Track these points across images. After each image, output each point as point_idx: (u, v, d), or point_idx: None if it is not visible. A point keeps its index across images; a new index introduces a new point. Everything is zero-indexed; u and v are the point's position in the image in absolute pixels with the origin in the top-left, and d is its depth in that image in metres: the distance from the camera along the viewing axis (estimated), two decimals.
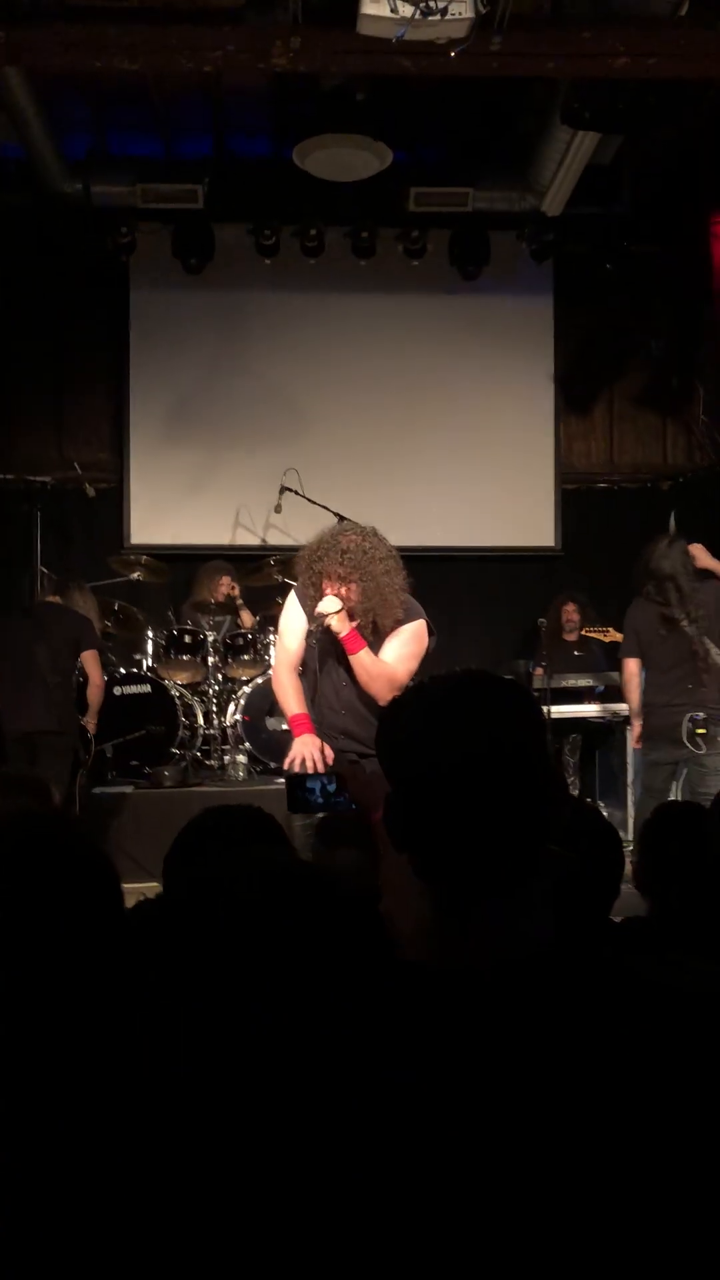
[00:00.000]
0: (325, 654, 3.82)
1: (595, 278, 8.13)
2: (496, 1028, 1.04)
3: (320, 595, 3.72)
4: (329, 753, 3.68)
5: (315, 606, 3.72)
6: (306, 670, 3.90)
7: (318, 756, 3.64)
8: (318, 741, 3.70)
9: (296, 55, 4.88)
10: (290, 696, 3.83)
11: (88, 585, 6.57)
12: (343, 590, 3.68)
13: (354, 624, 3.70)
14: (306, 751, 3.65)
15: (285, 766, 3.74)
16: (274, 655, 4.00)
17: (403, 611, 3.80)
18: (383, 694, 3.69)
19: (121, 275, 8.17)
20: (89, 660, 5.81)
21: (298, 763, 3.64)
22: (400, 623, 3.79)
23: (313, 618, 3.75)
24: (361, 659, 3.69)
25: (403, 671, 3.78)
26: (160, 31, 4.97)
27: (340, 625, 3.66)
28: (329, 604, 3.67)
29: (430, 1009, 1.08)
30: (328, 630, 3.71)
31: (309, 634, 3.83)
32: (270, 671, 6.82)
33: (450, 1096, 1.02)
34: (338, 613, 3.66)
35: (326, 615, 3.65)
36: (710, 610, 5.16)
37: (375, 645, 3.76)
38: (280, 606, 7.02)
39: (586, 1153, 0.99)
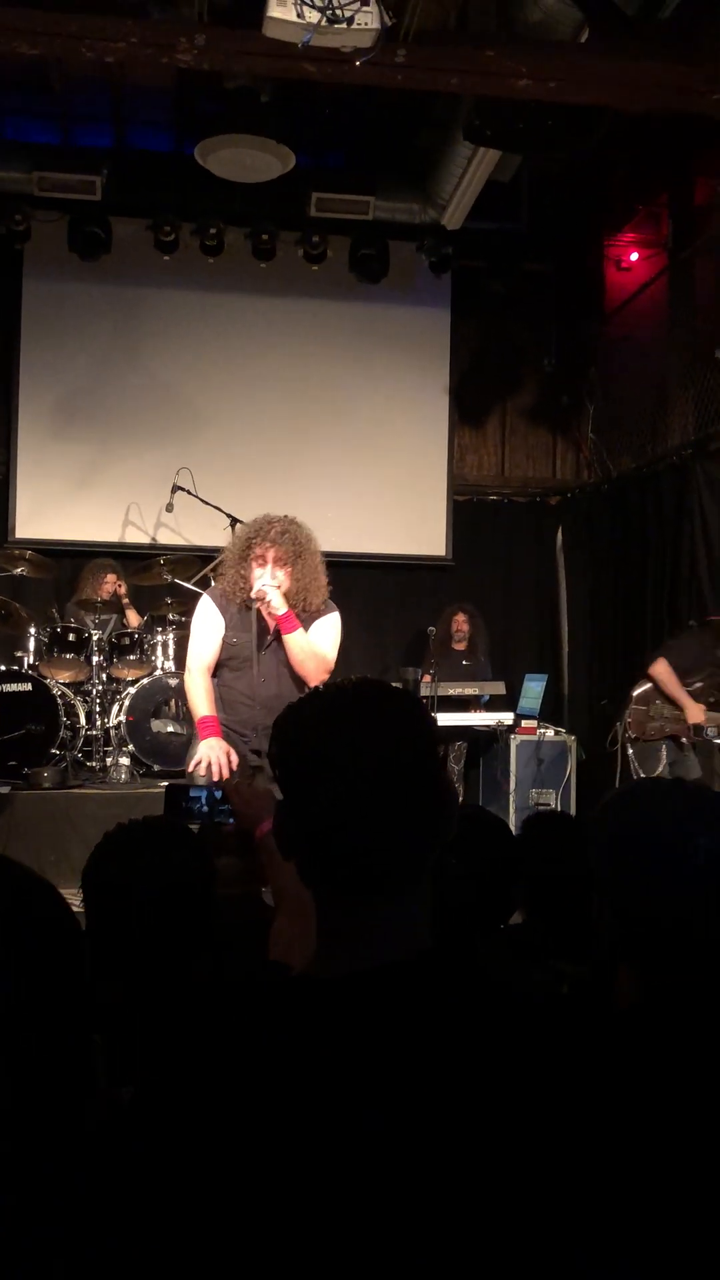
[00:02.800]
0: (241, 652, 3.87)
1: (492, 292, 8.25)
2: (345, 1036, 1.05)
3: (251, 579, 3.80)
4: (234, 757, 3.71)
5: (245, 591, 3.80)
6: (219, 673, 3.94)
7: (223, 760, 3.67)
8: (224, 745, 3.74)
9: (201, 53, 4.83)
10: (202, 698, 3.88)
11: None
12: (283, 574, 3.78)
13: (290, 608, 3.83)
14: (213, 755, 3.69)
15: (190, 769, 3.77)
16: (188, 658, 4.02)
17: (327, 595, 3.95)
18: (315, 674, 3.85)
19: (14, 263, 7.98)
20: None
21: (203, 766, 3.68)
22: (325, 608, 3.94)
23: (246, 600, 3.83)
24: (297, 639, 3.82)
25: (329, 654, 3.94)
26: (62, 18, 4.86)
27: (280, 603, 3.74)
28: (268, 580, 3.76)
29: (296, 1013, 1.08)
30: (259, 613, 3.79)
31: (227, 638, 3.89)
32: (158, 673, 6.77)
33: (288, 1107, 1.02)
34: (278, 587, 3.75)
35: (266, 593, 3.74)
36: None
37: (305, 622, 3.89)
38: (169, 606, 7.05)
39: (430, 1162, 1.00)
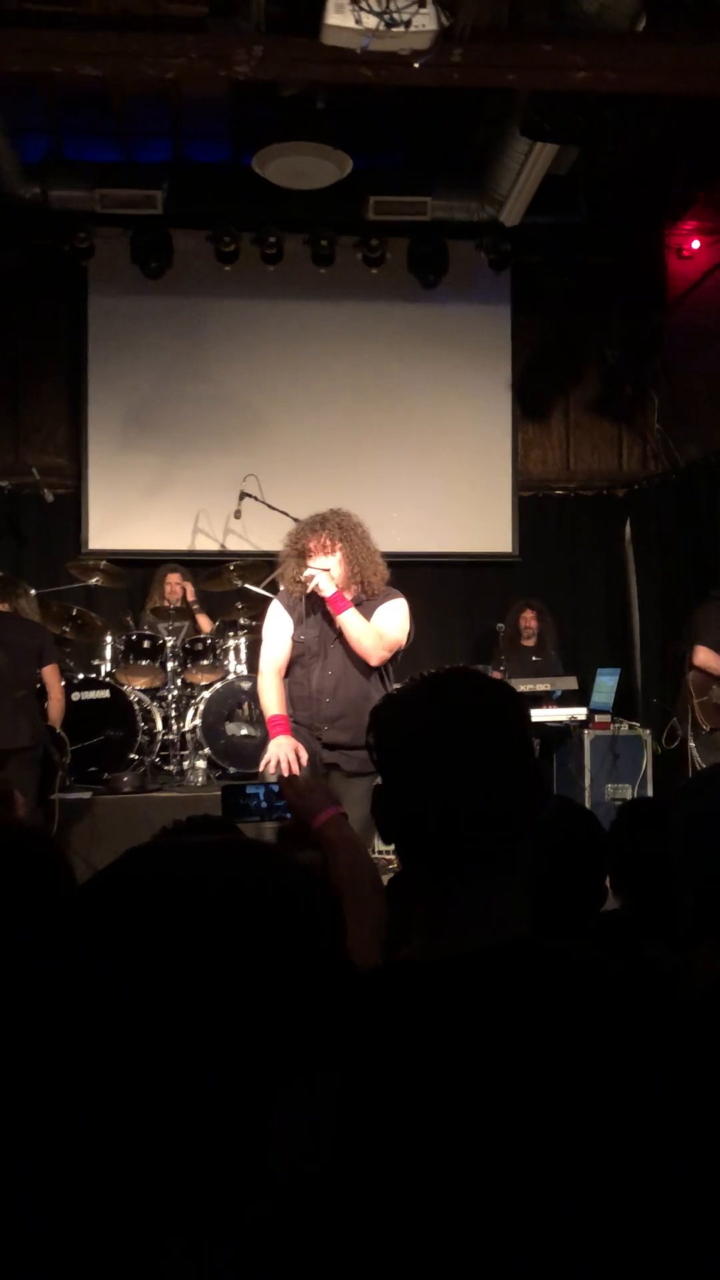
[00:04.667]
0: (310, 650, 3.95)
1: (552, 287, 8.22)
2: (460, 1015, 1.09)
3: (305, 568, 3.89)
4: (303, 754, 3.78)
5: (303, 586, 3.89)
6: (291, 671, 4.02)
7: (291, 757, 3.74)
8: (293, 742, 3.82)
9: (259, 63, 4.90)
10: (273, 698, 3.97)
11: (33, 591, 6.47)
12: (332, 560, 3.86)
13: (339, 589, 3.91)
14: (281, 753, 3.77)
15: (261, 768, 3.84)
16: (261, 659, 4.13)
17: (388, 577, 4.03)
18: (373, 650, 3.89)
19: (80, 280, 8.13)
20: (49, 674, 5.76)
21: (273, 764, 3.76)
22: (388, 593, 4.02)
23: (302, 597, 3.89)
24: (349, 618, 3.89)
25: (391, 632, 3.99)
26: (121, 38, 4.97)
27: (327, 585, 3.81)
28: (318, 564, 3.84)
29: (399, 996, 1.12)
30: (313, 595, 3.86)
31: (295, 635, 3.97)
32: (231, 677, 6.85)
33: (404, 1082, 1.07)
34: (326, 571, 3.83)
35: (313, 575, 3.82)
36: None
37: (368, 610, 3.96)
38: (239, 611, 7.14)
39: (545, 1143, 1.03)
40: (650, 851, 2.10)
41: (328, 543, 3.92)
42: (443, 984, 1.11)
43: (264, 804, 1.95)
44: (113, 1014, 0.79)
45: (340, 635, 3.94)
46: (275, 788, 1.92)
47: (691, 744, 6.08)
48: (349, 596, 3.93)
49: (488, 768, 1.17)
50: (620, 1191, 1.02)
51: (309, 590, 3.91)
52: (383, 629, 3.96)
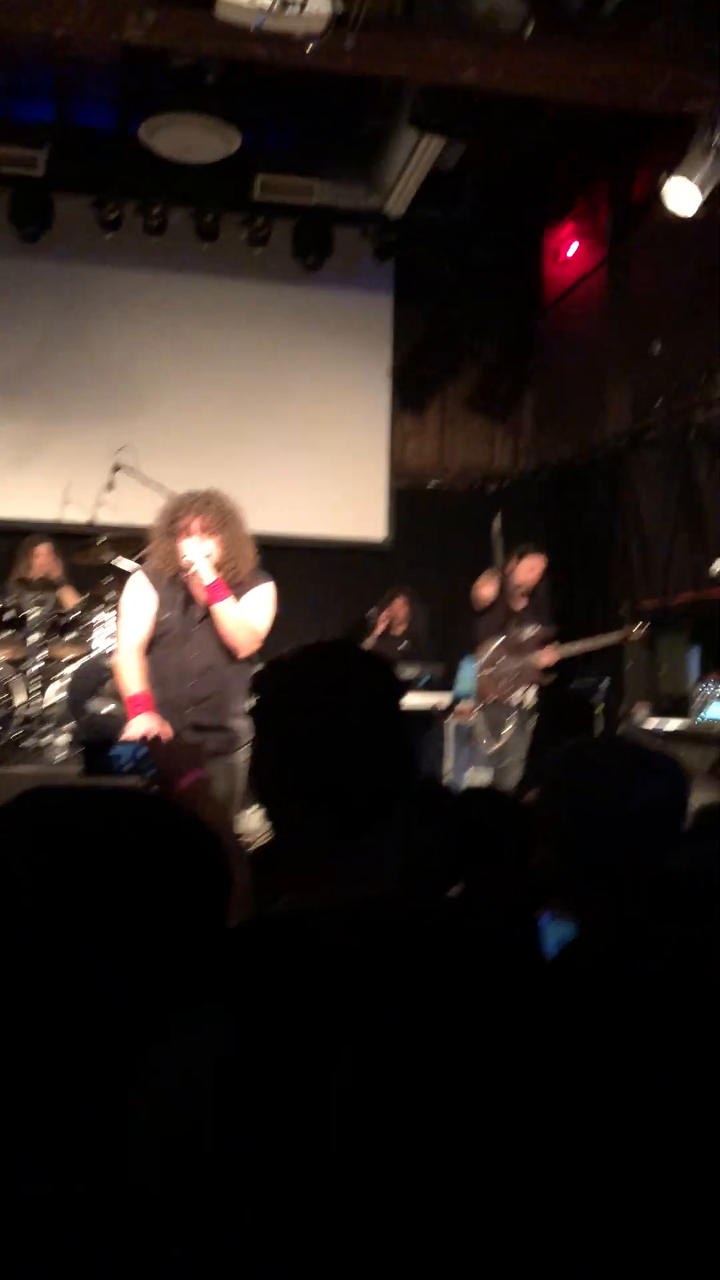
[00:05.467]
0: (173, 628, 3.91)
1: (434, 280, 8.33)
2: (336, 962, 1.11)
3: (179, 552, 3.84)
4: (166, 730, 3.74)
5: (174, 565, 3.83)
6: (151, 650, 3.97)
7: (157, 729, 3.70)
8: (156, 719, 3.77)
9: (150, 30, 4.84)
10: (134, 675, 3.91)
11: None
12: (211, 543, 3.82)
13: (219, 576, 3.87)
14: (146, 726, 3.71)
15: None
16: (120, 637, 4.06)
17: (256, 564, 4.00)
18: (246, 643, 3.87)
19: None
20: None
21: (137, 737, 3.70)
22: (255, 578, 4.00)
23: (175, 574, 3.86)
24: (227, 609, 3.85)
25: (262, 624, 3.97)
26: None
27: (209, 572, 3.78)
28: (195, 550, 3.79)
29: (275, 946, 1.14)
30: (187, 583, 3.82)
31: (159, 614, 3.92)
32: (96, 653, 6.75)
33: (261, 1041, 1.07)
34: (207, 556, 3.80)
35: (194, 562, 3.77)
36: None
37: (236, 596, 3.93)
38: (107, 586, 7.03)
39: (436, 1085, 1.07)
40: (492, 843, 2.19)
41: (210, 525, 3.88)
42: (318, 932, 1.15)
43: (128, 764, 1.91)
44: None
45: (206, 617, 3.92)
46: (142, 749, 1.90)
47: (472, 717, 6.42)
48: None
49: (367, 731, 1.24)
50: (471, 1136, 1.06)
51: (188, 574, 3.87)
52: (253, 622, 3.96)
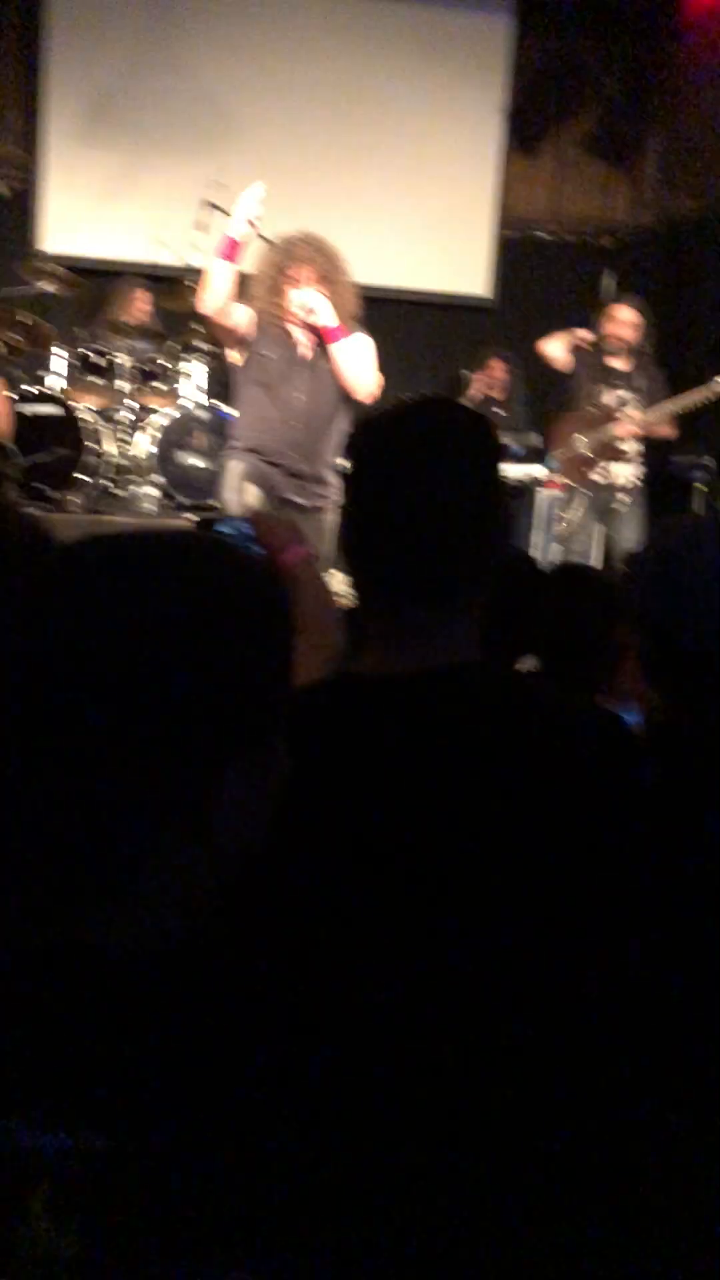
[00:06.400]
0: (274, 372, 3.86)
1: (560, 4, 7.52)
2: (407, 726, 1.14)
3: (288, 302, 3.81)
4: (254, 492, 3.76)
5: (282, 316, 3.78)
6: (246, 391, 3.93)
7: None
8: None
9: None
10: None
11: None
12: (325, 291, 3.78)
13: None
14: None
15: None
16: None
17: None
18: (366, 385, 3.93)
19: None
20: None
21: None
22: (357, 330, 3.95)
23: (284, 313, 3.79)
24: (347, 346, 3.81)
25: (374, 369, 3.97)
26: None
27: (329, 314, 3.75)
28: (313, 296, 3.77)
29: (348, 704, 1.18)
30: (296, 334, 3.77)
31: (259, 349, 3.86)
32: (187, 401, 6.63)
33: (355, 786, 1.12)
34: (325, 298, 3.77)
35: (313, 306, 3.74)
36: None
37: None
38: (196, 333, 6.83)
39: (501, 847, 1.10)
40: (577, 616, 2.17)
41: (322, 274, 3.81)
42: (391, 697, 1.16)
43: (235, 540, 1.97)
44: (72, 677, 0.81)
45: (309, 361, 3.84)
46: (246, 527, 1.91)
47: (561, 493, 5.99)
48: None
49: (462, 495, 1.19)
50: (548, 912, 1.10)
51: (306, 318, 3.80)
52: (371, 365, 3.96)
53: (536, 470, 6.87)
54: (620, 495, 5.41)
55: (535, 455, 7.08)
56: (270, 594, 0.92)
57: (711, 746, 1.44)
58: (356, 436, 1.29)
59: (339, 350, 3.81)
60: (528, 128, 8.16)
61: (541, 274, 8.34)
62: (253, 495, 3.84)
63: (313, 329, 3.82)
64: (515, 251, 8.29)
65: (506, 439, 7.10)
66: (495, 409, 7.42)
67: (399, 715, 1.14)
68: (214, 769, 0.83)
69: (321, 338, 3.83)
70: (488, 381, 7.45)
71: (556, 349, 5.85)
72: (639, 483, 5.56)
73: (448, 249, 8.09)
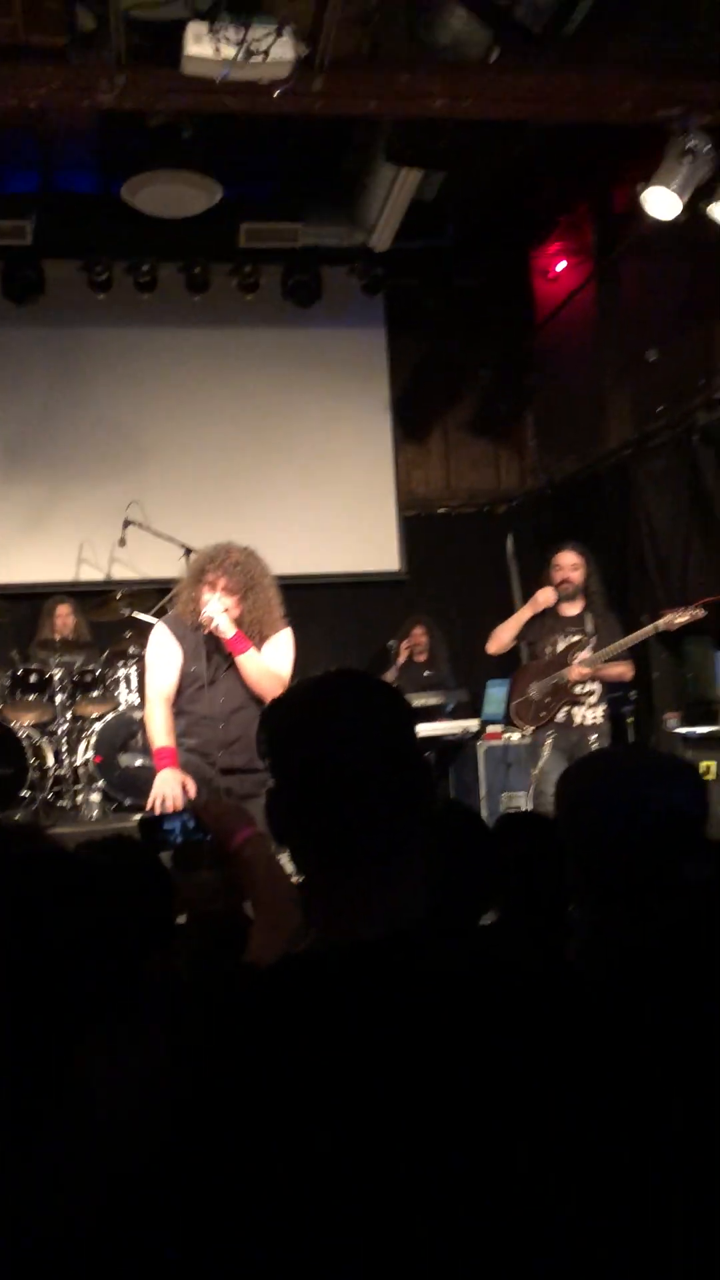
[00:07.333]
0: (199, 679, 3.95)
1: (425, 309, 8.38)
2: (356, 1000, 1.11)
3: (201, 603, 3.89)
4: (190, 787, 3.77)
5: (197, 615, 3.88)
6: (180, 696, 4.01)
7: (178, 794, 3.73)
8: (179, 776, 3.80)
9: (121, 92, 4.90)
10: (161, 729, 3.94)
11: None
12: (231, 601, 3.87)
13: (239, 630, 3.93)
14: (167, 790, 3.75)
15: (148, 807, 3.81)
16: (146, 689, 4.09)
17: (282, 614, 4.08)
18: (272, 691, 3.96)
19: None
20: None
21: (159, 803, 3.73)
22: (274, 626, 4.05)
23: (195, 626, 3.89)
24: (250, 658, 3.91)
25: (285, 669, 4.06)
26: None
27: (228, 627, 3.82)
28: (215, 606, 3.84)
29: (296, 985, 1.14)
30: (211, 636, 3.87)
31: (185, 666, 3.96)
32: (123, 708, 6.78)
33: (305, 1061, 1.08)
34: (225, 612, 3.84)
35: (214, 617, 3.82)
36: None
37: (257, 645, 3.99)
38: (128, 640, 7.06)
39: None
40: (531, 866, 2.16)
41: (233, 586, 3.94)
42: (337, 971, 1.14)
43: (179, 836, 1.98)
44: None
45: (231, 662, 3.95)
46: (190, 820, 1.95)
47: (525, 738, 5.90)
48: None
49: (377, 758, 1.21)
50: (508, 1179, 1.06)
51: (208, 630, 3.92)
52: (276, 669, 4.02)
53: (470, 724, 7.05)
54: (591, 737, 5.40)
55: (465, 710, 7.28)
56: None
57: (634, 971, 1.43)
58: (267, 717, 1.32)
59: (241, 660, 3.93)
60: (414, 418, 8.88)
61: (445, 545, 8.85)
62: (192, 789, 3.86)
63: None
64: (419, 528, 8.82)
65: (437, 697, 7.31)
66: (425, 672, 7.68)
67: (348, 997, 1.12)
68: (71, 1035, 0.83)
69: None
70: (411, 647, 7.74)
71: (508, 636, 5.76)
72: (603, 720, 5.53)
73: (358, 533, 8.58)
